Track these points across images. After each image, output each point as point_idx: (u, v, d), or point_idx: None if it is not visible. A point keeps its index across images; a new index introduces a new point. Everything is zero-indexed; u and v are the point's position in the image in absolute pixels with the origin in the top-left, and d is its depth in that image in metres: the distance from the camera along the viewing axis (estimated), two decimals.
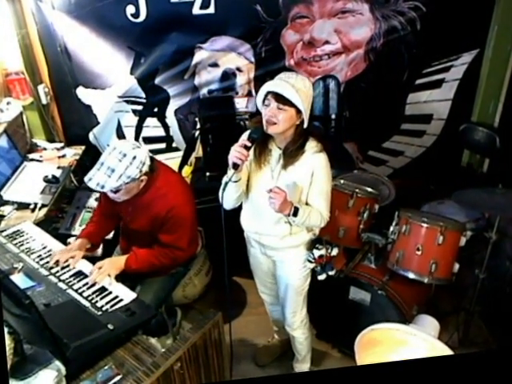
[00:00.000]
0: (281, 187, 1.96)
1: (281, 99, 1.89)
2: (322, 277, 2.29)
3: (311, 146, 2.03)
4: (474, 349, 2.70)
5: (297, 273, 2.29)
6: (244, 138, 2.00)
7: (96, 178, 2.01)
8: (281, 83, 1.91)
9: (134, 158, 2.03)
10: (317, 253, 2.20)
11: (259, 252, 2.34)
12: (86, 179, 2.03)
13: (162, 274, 2.38)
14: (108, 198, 2.24)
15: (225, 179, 1.97)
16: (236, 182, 2.01)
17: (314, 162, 2.03)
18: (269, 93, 1.93)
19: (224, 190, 1.97)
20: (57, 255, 2.19)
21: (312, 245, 2.23)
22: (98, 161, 2.06)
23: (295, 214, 1.98)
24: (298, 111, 1.92)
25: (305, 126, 1.96)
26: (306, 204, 2.10)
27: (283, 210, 1.95)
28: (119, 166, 2.00)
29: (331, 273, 2.30)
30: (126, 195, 2.12)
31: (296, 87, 1.87)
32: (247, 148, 1.92)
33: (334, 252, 2.28)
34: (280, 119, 1.92)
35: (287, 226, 2.12)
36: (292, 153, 2.02)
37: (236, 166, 1.91)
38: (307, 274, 2.32)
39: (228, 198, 2.08)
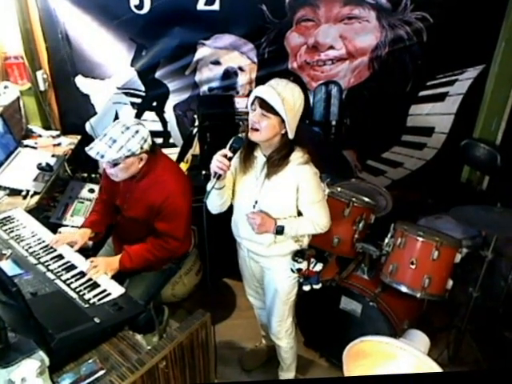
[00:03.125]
0: (262, 199, 2.01)
1: (265, 106, 1.85)
2: (306, 288, 2.25)
3: (297, 156, 1.98)
4: (463, 368, 2.68)
5: (283, 281, 2.25)
6: (227, 147, 1.96)
7: (97, 147, 2.04)
8: (268, 90, 1.86)
9: (137, 132, 2.06)
10: (296, 265, 2.16)
11: (247, 256, 2.31)
12: (86, 148, 2.05)
13: (153, 270, 2.37)
14: (107, 187, 2.28)
15: (208, 187, 1.94)
16: (219, 189, 1.99)
17: (299, 174, 1.98)
18: (256, 98, 1.89)
19: (207, 198, 1.95)
20: (59, 236, 2.21)
21: (294, 256, 2.18)
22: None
23: (281, 231, 2.00)
24: (283, 120, 1.88)
25: (290, 136, 1.91)
26: (299, 213, 2.08)
27: (266, 231, 1.99)
28: (121, 138, 2.03)
29: (316, 286, 2.25)
30: (124, 173, 2.12)
31: (282, 95, 1.83)
32: (228, 158, 1.89)
33: (318, 267, 2.21)
34: (263, 126, 1.88)
35: (271, 235, 2.07)
36: (275, 162, 1.97)
37: (218, 176, 1.90)
38: (294, 283, 2.28)
39: (212, 204, 2.08)
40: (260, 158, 2.03)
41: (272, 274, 2.26)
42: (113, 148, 2.02)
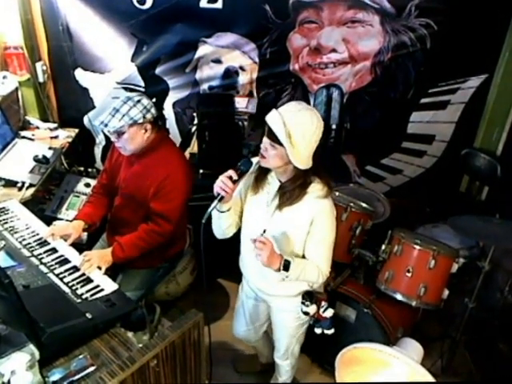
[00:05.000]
0: (271, 230, 1.85)
1: (271, 135, 1.71)
2: (317, 330, 2.11)
3: (316, 188, 1.82)
4: (456, 378, 2.66)
5: (293, 321, 2.15)
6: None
7: (101, 117, 2.14)
8: (275, 118, 1.70)
9: (138, 101, 2.13)
10: (304, 308, 2.01)
11: (255, 295, 2.21)
12: (92, 118, 2.09)
13: (147, 267, 2.38)
14: (110, 168, 2.36)
15: (210, 208, 1.79)
16: (223, 212, 1.85)
17: (315, 208, 1.82)
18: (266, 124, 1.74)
19: (205, 219, 1.78)
20: (53, 229, 2.23)
21: (302, 298, 2.03)
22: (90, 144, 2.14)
23: (286, 268, 1.79)
24: None
25: (299, 167, 1.75)
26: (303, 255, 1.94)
27: (271, 264, 1.78)
28: (123, 107, 2.11)
29: (328, 332, 2.09)
30: (130, 144, 2.17)
31: (288, 126, 1.67)
32: (234, 181, 1.75)
33: (328, 313, 2.04)
34: (269, 155, 1.75)
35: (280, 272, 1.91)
36: (289, 193, 1.82)
37: (220, 198, 1.77)
38: (305, 322, 2.17)
39: (216, 228, 1.95)
40: (274, 182, 1.89)
41: (282, 314, 2.18)
42: (115, 117, 2.09)
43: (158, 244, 2.27)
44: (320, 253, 1.91)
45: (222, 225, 1.92)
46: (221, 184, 1.74)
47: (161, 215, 2.21)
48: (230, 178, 1.75)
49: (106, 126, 2.10)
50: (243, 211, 1.99)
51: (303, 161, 1.73)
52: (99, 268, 2.05)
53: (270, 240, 1.77)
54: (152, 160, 2.22)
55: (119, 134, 2.12)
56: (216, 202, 1.78)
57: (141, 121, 2.12)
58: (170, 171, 2.18)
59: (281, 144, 1.70)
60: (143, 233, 2.23)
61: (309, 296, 2.01)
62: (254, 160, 1.90)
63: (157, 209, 2.21)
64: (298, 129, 1.69)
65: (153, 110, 2.17)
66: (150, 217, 2.25)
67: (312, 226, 1.85)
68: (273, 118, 1.71)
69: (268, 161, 1.77)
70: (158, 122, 2.24)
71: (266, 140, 1.75)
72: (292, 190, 1.82)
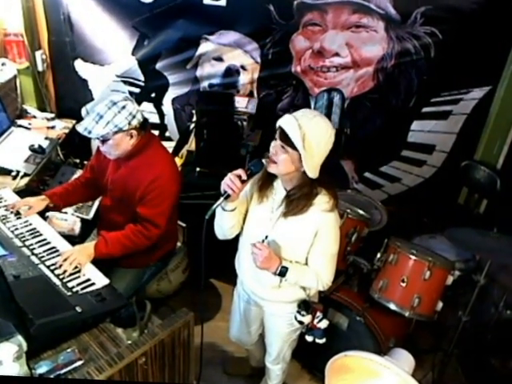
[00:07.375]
0: (274, 236, 1.84)
1: (284, 138, 1.69)
2: (309, 338, 2.08)
3: (322, 201, 1.80)
4: None
5: (287, 327, 2.12)
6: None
7: (84, 123, 2.04)
8: (289, 120, 1.69)
9: (123, 107, 2.04)
10: (298, 317, 1.99)
11: (248, 300, 2.18)
12: (76, 125, 2.06)
13: (138, 267, 2.35)
14: (96, 165, 2.31)
15: (215, 205, 1.78)
16: (230, 211, 1.82)
17: (321, 221, 1.80)
18: (279, 127, 1.72)
19: (209, 215, 1.76)
20: (17, 201, 2.27)
21: (298, 306, 2.01)
22: (87, 137, 2.08)
23: (282, 274, 1.81)
24: None
25: (310, 175, 1.73)
26: (306, 261, 1.92)
27: (268, 268, 1.80)
28: (107, 113, 2.02)
29: (319, 341, 2.07)
30: (116, 150, 2.10)
31: (303, 129, 1.66)
32: (242, 180, 1.72)
33: (323, 325, 2.02)
34: (280, 159, 1.72)
35: (277, 277, 1.89)
36: (295, 202, 1.79)
37: (227, 196, 1.74)
38: (298, 328, 2.13)
39: (219, 226, 1.92)
40: (279, 190, 1.87)
41: (274, 319, 2.15)
42: (99, 124, 2.00)
43: (143, 246, 2.21)
44: (322, 263, 1.89)
45: (224, 224, 1.89)
46: (229, 182, 1.71)
47: (148, 220, 2.16)
48: (239, 177, 1.71)
49: (89, 132, 2.01)
50: (247, 214, 1.94)
51: (314, 168, 1.71)
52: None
53: (267, 247, 1.77)
54: (138, 163, 2.14)
55: (103, 140, 2.05)
56: (222, 199, 1.75)
57: (126, 128, 2.04)
58: (156, 175, 2.10)
59: (293, 148, 1.67)
60: (130, 232, 2.17)
61: (305, 305, 1.98)
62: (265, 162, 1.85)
63: (144, 214, 2.15)
64: (312, 134, 1.67)
65: (139, 116, 2.09)
66: (137, 220, 2.19)
67: (316, 238, 1.83)
68: (288, 121, 1.68)
69: (278, 166, 1.73)
70: (145, 124, 2.15)
71: (277, 143, 1.72)
72: (298, 199, 1.79)
